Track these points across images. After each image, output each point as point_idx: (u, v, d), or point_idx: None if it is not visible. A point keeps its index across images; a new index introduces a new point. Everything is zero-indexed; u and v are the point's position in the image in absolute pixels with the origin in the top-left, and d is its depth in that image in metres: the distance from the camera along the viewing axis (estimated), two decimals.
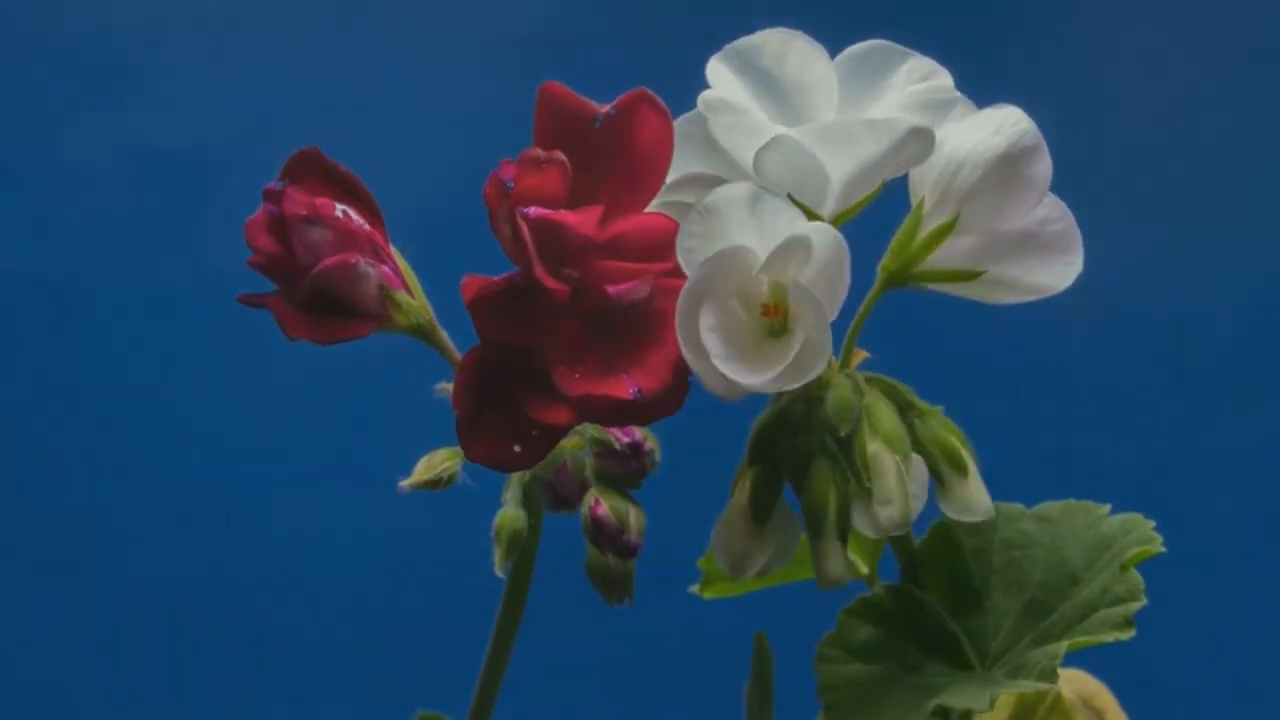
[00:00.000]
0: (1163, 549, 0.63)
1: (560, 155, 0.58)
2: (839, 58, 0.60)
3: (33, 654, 1.37)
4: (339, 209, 0.62)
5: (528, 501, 0.66)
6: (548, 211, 0.57)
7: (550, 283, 0.57)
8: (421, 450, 0.65)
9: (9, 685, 1.37)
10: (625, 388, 0.57)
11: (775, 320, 0.57)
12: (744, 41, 0.60)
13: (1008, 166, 0.59)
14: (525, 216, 0.57)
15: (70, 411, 1.39)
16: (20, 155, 1.40)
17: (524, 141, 0.59)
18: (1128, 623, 0.61)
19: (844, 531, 0.59)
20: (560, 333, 0.58)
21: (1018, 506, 0.67)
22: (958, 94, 0.59)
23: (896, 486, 0.58)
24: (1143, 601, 0.62)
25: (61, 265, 1.39)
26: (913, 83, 0.59)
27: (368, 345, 0.63)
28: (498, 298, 0.57)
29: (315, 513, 1.37)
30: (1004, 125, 0.59)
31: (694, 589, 0.75)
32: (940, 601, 0.65)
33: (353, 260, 0.61)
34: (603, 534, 0.64)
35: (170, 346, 1.38)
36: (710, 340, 0.56)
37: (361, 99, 1.38)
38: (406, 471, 0.65)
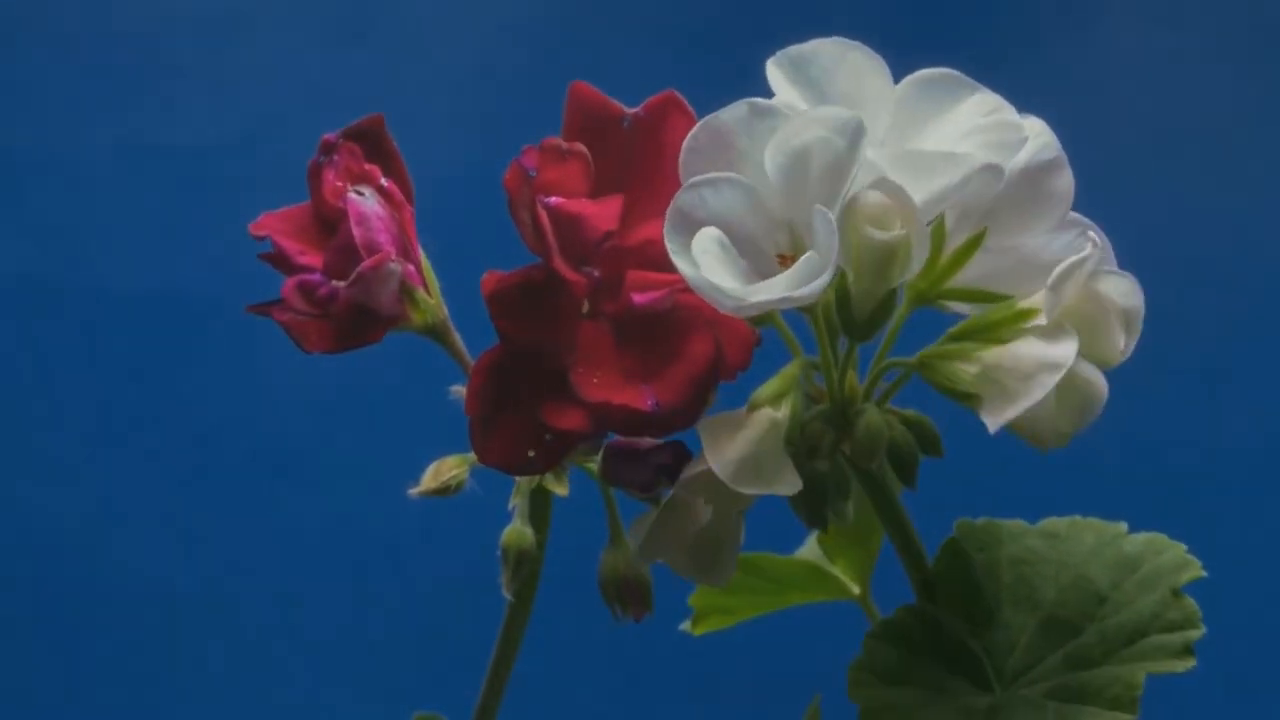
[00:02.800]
0: (1204, 573, 0.62)
1: (581, 147, 0.58)
2: (906, 79, 0.58)
3: (34, 652, 1.37)
4: (384, 180, 0.61)
5: (535, 512, 0.65)
6: (568, 201, 0.57)
7: (569, 274, 0.57)
8: (430, 450, 0.65)
9: (9, 686, 1.36)
10: (644, 399, 0.56)
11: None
12: (798, 48, 0.58)
13: (1028, 181, 0.58)
14: (545, 205, 0.56)
15: (71, 411, 1.39)
16: (22, 155, 1.40)
17: (532, 141, 0.59)
18: (1187, 651, 0.60)
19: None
20: (581, 334, 0.57)
21: (1020, 523, 0.66)
22: (1026, 134, 0.57)
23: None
24: (1201, 630, 0.61)
25: (63, 265, 1.39)
26: (978, 116, 0.57)
27: (377, 346, 0.62)
28: (517, 291, 0.57)
29: (319, 514, 1.36)
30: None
31: (684, 626, 0.74)
32: (958, 619, 0.64)
33: (388, 259, 0.60)
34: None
35: (173, 346, 1.38)
36: (706, 260, 0.54)
37: (366, 98, 1.37)
38: (413, 471, 0.64)
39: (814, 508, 0.59)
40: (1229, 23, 1.42)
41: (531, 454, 0.57)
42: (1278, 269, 1.38)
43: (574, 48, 1.40)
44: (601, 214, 0.58)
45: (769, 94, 0.58)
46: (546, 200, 0.57)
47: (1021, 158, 0.57)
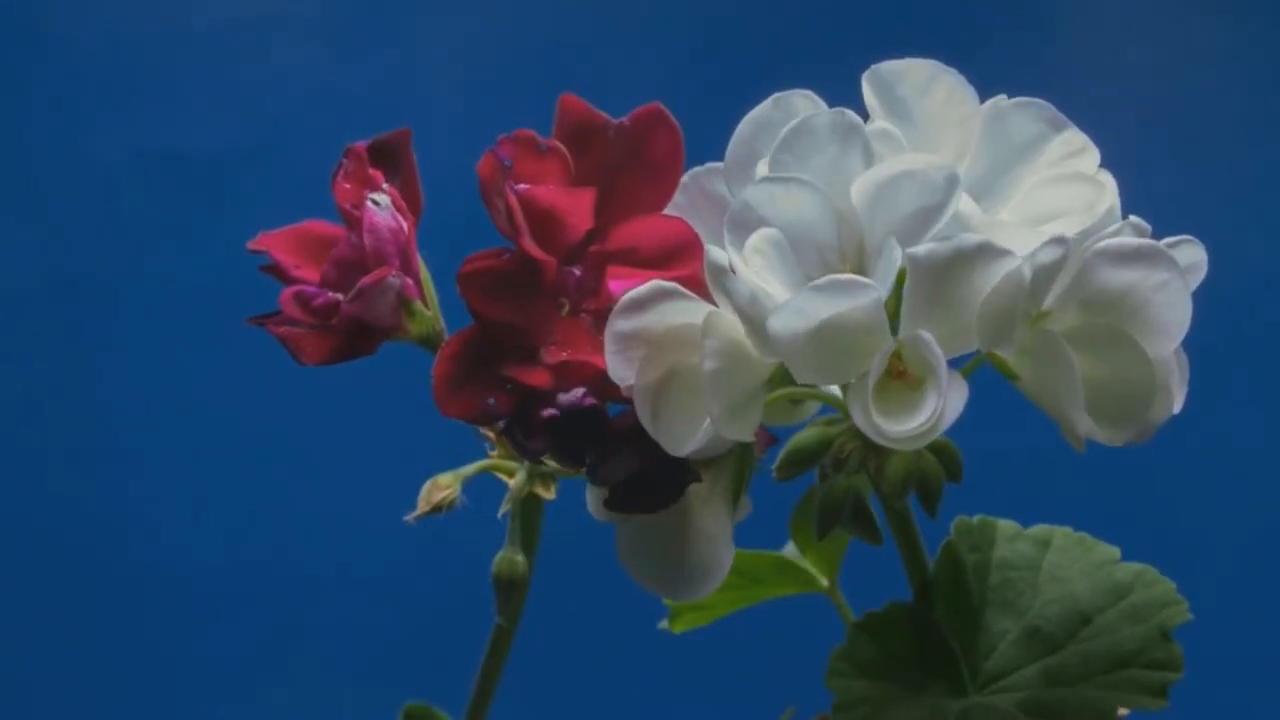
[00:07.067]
0: (1190, 617, 0.62)
1: (560, 145, 0.59)
2: (993, 103, 0.59)
3: (45, 646, 1.38)
4: (385, 186, 0.61)
5: (526, 518, 0.65)
6: (538, 188, 0.58)
7: (537, 254, 0.57)
8: (426, 449, 0.65)
9: (20, 680, 1.37)
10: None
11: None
12: (890, 65, 0.58)
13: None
14: (514, 190, 0.57)
15: (82, 411, 1.39)
16: (35, 159, 1.41)
17: None
18: (1163, 692, 0.61)
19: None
20: (560, 328, 0.58)
21: (1013, 525, 0.66)
22: (1118, 221, 0.57)
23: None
24: (1181, 674, 0.61)
25: (74, 268, 1.40)
26: (1064, 156, 0.58)
27: (392, 350, 0.62)
28: (487, 271, 0.58)
29: (317, 512, 1.37)
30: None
31: (663, 625, 0.74)
32: (945, 619, 0.64)
33: (389, 273, 0.60)
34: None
35: (180, 347, 1.39)
36: (756, 261, 0.54)
37: (373, 109, 1.37)
38: (417, 469, 0.64)
39: (828, 521, 0.58)
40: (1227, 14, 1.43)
41: (491, 401, 0.57)
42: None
43: (582, 63, 1.40)
44: (575, 208, 0.58)
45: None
46: (516, 186, 0.57)
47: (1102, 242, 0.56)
